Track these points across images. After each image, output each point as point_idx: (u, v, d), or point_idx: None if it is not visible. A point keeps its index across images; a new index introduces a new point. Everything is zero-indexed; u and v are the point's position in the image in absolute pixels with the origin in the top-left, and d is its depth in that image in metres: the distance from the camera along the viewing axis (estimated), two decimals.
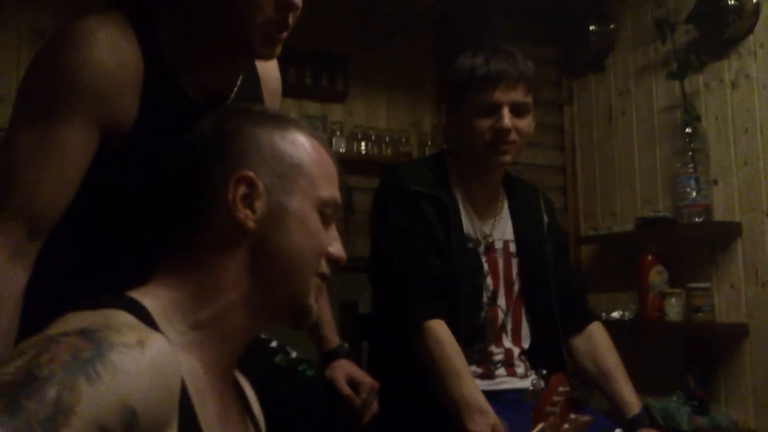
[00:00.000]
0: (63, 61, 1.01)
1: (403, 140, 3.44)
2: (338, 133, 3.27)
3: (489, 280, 1.71)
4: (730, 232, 2.64)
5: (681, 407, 2.45)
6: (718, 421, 2.49)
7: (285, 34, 1.08)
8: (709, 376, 2.66)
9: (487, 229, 1.73)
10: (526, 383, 1.68)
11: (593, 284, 2.96)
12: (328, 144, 0.94)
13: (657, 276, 2.78)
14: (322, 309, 1.41)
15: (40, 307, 0.97)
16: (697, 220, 2.67)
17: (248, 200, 0.83)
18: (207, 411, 0.77)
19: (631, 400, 1.65)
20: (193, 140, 0.88)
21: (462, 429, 1.45)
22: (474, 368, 1.63)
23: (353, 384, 1.44)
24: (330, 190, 0.89)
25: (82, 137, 1.02)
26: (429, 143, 3.48)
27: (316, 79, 3.29)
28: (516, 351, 1.72)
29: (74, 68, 1.00)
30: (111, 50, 1.02)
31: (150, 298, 0.78)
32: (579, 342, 1.77)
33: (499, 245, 1.74)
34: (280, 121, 0.90)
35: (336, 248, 0.90)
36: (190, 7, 1.08)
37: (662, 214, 2.83)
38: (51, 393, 0.58)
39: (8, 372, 0.60)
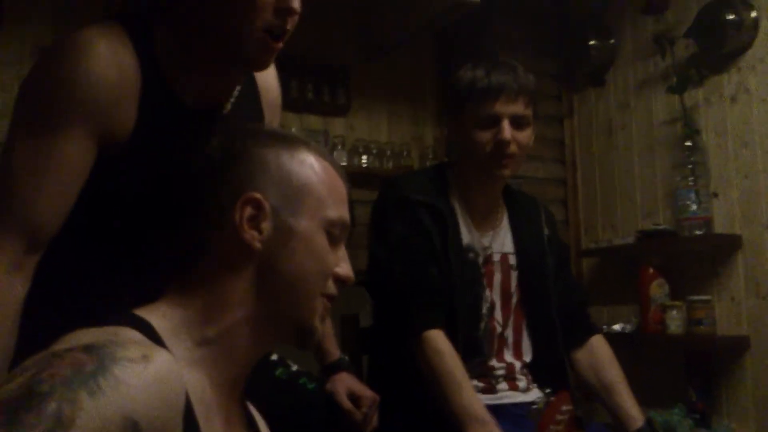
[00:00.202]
0: (61, 73, 1.01)
1: (405, 153, 3.44)
2: (340, 147, 3.28)
3: (487, 292, 1.71)
4: (731, 244, 2.65)
5: (683, 420, 2.45)
6: None
7: (281, 44, 1.08)
8: (710, 389, 2.66)
9: (486, 241, 1.73)
10: (528, 397, 1.67)
11: (594, 297, 2.96)
12: (338, 164, 0.93)
13: (658, 289, 2.79)
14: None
15: (41, 318, 0.98)
16: (697, 232, 2.67)
17: (255, 221, 0.83)
18: (212, 427, 0.77)
19: (634, 413, 1.64)
20: (202, 160, 0.88)
21: None
22: (475, 382, 1.62)
23: (354, 397, 1.44)
24: (338, 211, 0.89)
25: (80, 149, 1.02)
26: (430, 156, 3.48)
27: (317, 92, 3.30)
28: (518, 365, 1.72)
29: (72, 80, 1.00)
30: (109, 62, 1.02)
31: (157, 315, 0.79)
32: (581, 355, 1.77)
33: (497, 257, 1.74)
34: (289, 141, 0.90)
35: (344, 268, 0.90)
36: (188, 14, 1.08)
37: (663, 227, 2.83)
38: (51, 406, 0.58)
39: (10, 389, 0.60)
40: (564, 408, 1.20)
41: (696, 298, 2.67)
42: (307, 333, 0.88)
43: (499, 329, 1.71)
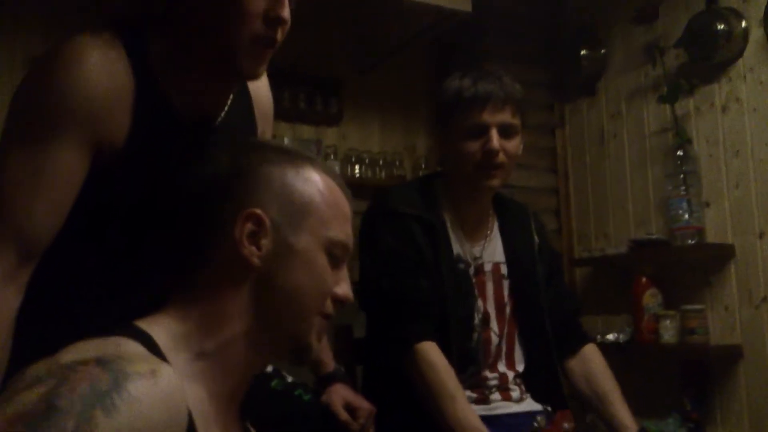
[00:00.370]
0: (53, 81, 1.00)
1: (397, 163, 3.44)
2: (332, 157, 3.28)
3: (480, 303, 1.70)
4: (723, 254, 2.66)
5: (677, 429, 2.45)
6: None
7: (271, 52, 1.08)
8: (704, 398, 2.66)
9: (477, 251, 1.73)
10: (521, 407, 1.67)
11: (588, 307, 2.96)
12: (344, 184, 0.93)
13: (651, 298, 2.79)
14: None
15: (35, 329, 0.97)
16: (690, 242, 2.68)
17: (255, 237, 0.83)
18: None
19: (628, 423, 1.64)
20: (206, 174, 0.88)
21: None
22: (468, 393, 1.62)
23: (350, 409, 1.43)
24: (340, 231, 0.88)
25: (74, 158, 1.01)
26: (423, 166, 3.48)
27: (310, 102, 3.30)
28: (510, 375, 1.71)
29: (65, 89, 0.99)
30: (102, 70, 1.01)
31: (156, 328, 0.79)
32: (574, 364, 1.77)
33: (488, 267, 1.73)
34: (294, 158, 0.90)
35: (343, 289, 0.89)
36: (181, 22, 1.08)
37: (655, 236, 2.84)
38: (70, 424, 0.59)
39: (29, 401, 0.61)
40: (566, 426, 1.19)
41: (689, 307, 2.67)
42: (303, 350, 0.88)
43: (496, 340, 1.71)
